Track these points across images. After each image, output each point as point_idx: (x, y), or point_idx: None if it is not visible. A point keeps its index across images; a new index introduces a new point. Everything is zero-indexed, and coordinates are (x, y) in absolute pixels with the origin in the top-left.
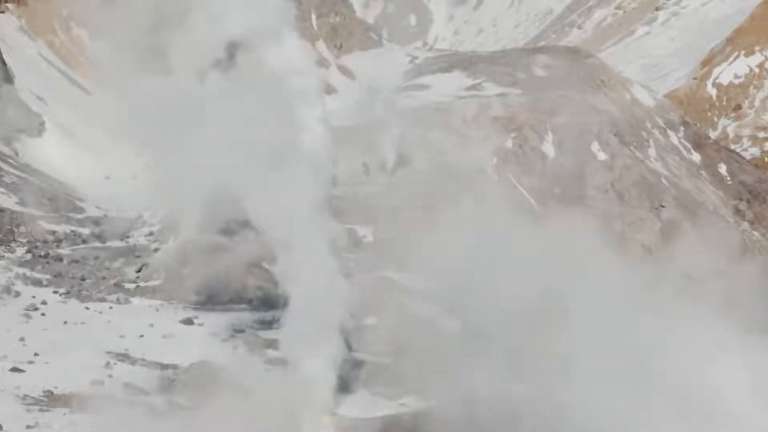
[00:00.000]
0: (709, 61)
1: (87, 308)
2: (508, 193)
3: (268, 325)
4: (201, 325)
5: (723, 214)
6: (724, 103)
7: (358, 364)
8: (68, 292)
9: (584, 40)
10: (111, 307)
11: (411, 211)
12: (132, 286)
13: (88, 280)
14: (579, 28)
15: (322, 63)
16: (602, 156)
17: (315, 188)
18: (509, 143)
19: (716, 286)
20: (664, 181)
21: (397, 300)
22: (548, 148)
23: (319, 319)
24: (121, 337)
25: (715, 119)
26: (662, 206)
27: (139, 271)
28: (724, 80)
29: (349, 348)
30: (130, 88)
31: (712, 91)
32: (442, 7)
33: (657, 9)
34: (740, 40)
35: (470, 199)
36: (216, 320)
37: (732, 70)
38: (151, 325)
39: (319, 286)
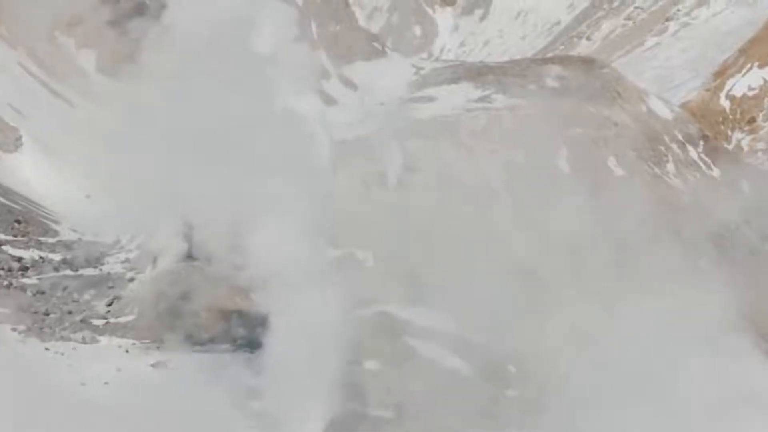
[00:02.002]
0: (721, 73)
1: (47, 349)
2: (519, 210)
3: (252, 369)
4: (176, 369)
5: (746, 234)
6: (738, 115)
7: (355, 419)
8: (28, 329)
9: (593, 52)
10: (75, 348)
11: (416, 232)
12: (101, 322)
13: (52, 315)
14: (588, 39)
15: (322, 73)
16: (619, 172)
17: (308, 207)
18: (520, 158)
19: None
20: (684, 198)
21: (401, 340)
22: (562, 164)
23: (309, 364)
24: (83, 385)
25: (729, 132)
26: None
27: (109, 305)
28: (738, 92)
29: (345, 399)
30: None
31: (726, 104)
32: (448, 18)
33: (667, 20)
34: (754, 51)
35: (480, 218)
36: (193, 363)
37: (746, 82)
38: (119, 370)
39: (310, 324)
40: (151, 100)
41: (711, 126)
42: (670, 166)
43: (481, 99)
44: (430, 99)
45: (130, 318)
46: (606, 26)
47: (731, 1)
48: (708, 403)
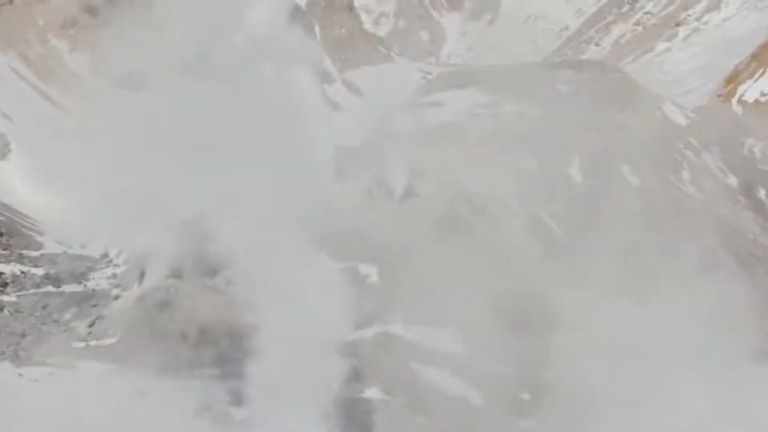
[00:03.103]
0: (733, 78)
1: (21, 375)
2: (530, 222)
3: (242, 399)
4: (158, 397)
5: (764, 243)
6: (750, 121)
7: None
8: (2, 353)
9: (602, 57)
10: (51, 374)
11: (422, 244)
12: (81, 345)
13: (29, 337)
14: (596, 44)
15: (325, 78)
16: (634, 180)
17: (309, 217)
18: (531, 166)
19: None
20: (700, 207)
21: (406, 365)
22: (574, 172)
23: (306, 392)
24: (57, 414)
25: (741, 138)
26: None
27: (91, 325)
28: (750, 98)
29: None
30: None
31: (738, 109)
32: (455, 23)
33: (677, 25)
34: (765, 56)
35: (489, 230)
36: (178, 391)
37: (758, 88)
38: (97, 399)
39: (305, 347)
40: (146, 105)
41: (722, 132)
42: (686, 174)
43: (490, 104)
44: (437, 104)
45: (111, 341)
46: (615, 31)
47: (743, 5)
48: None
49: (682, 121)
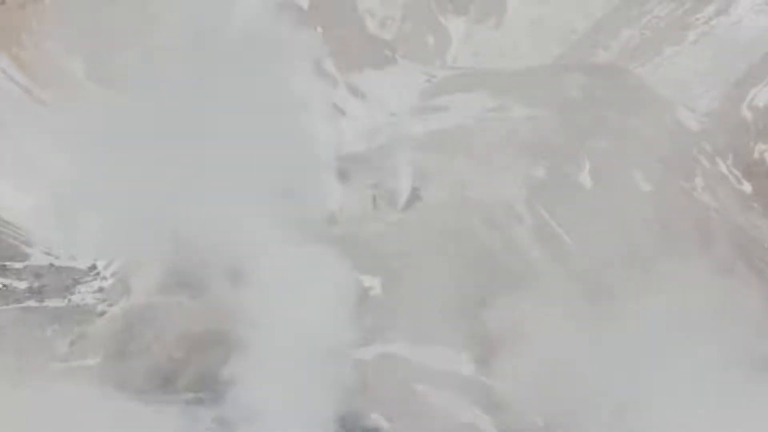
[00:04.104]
0: (743, 83)
1: None
2: (539, 230)
3: (228, 425)
4: (140, 422)
5: None
6: (761, 126)
7: None
8: None
9: (610, 61)
10: (26, 399)
11: (427, 255)
12: (61, 365)
13: (6, 356)
14: (604, 48)
15: (327, 80)
16: (646, 187)
17: (309, 227)
18: (540, 172)
19: None
20: (713, 214)
21: (410, 387)
22: (585, 178)
23: (299, 419)
24: None
25: (752, 144)
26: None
27: (73, 344)
28: (760, 102)
29: None
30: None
31: (747, 114)
32: (461, 27)
33: (686, 28)
34: None
35: (498, 239)
36: (163, 418)
37: None
38: (75, 425)
39: (301, 370)
40: (140, 108)
41: (733, 138)
42: (699, 180)
43: (498, 109)
44: (443, 109)
45: (93, 361)
46: (623, 35)
47: (752, 9)
48: None
49: (695, 126)
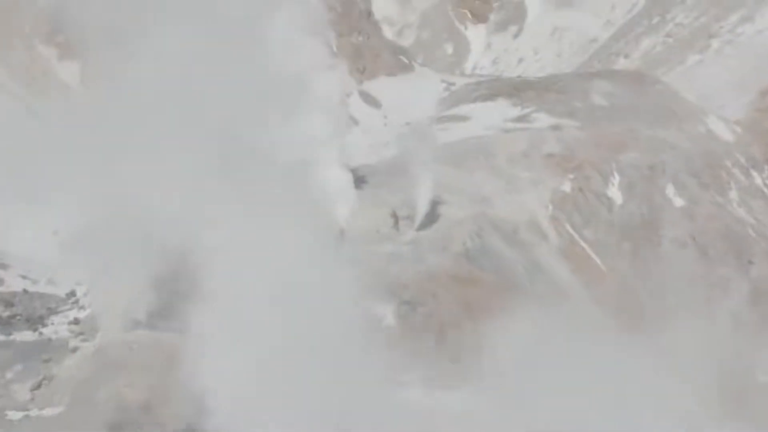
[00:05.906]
0: None
1: None
2: (567, 249)
3: None
4: None
5: None
6: None
7: None
8: None
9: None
10: None
11: (447, 279)
12: (19, 415)
13: None
14: (626, 57)
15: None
16: (678, 201)
17: (314, 248)
18: (567, 187)
19: None
20: (750, 231)
21: None
22: (614, 193)
23: None
24: None
25: None
26: (751, 262)
27: (36, 388)
28: None
29: None
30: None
31: None
32: (480, 35)
33: (710, 36)
34: None
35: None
36: None
37: None
38: None
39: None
40: (136, 119)
41: (761, 149)
42: (733, 194)
43: (521, 118)
44: (463, 118)
45: (58, 410)
46: (645, 43)
47: None
48: None
49: (729, 136)
